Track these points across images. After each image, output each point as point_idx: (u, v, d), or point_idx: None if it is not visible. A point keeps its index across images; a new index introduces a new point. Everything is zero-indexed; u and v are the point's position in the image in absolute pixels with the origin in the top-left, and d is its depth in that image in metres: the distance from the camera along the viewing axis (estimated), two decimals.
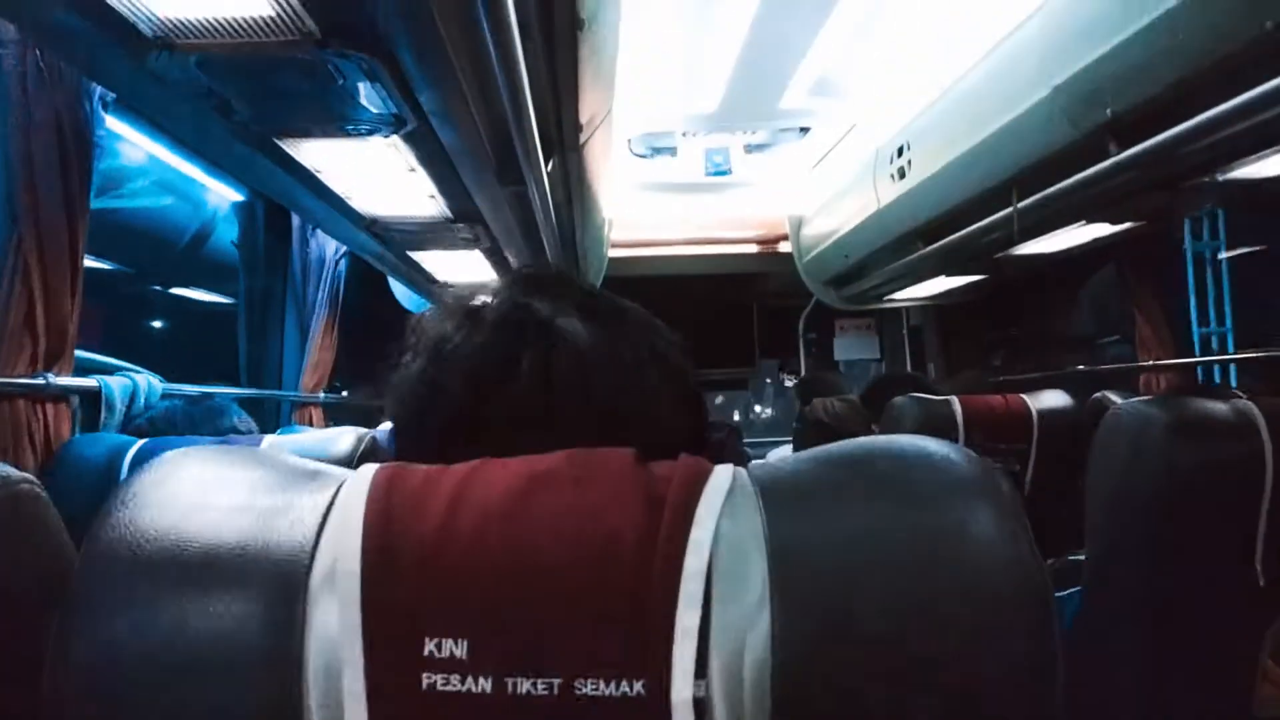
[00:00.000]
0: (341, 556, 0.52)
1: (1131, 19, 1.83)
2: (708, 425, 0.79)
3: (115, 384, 2.05)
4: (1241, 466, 1.50)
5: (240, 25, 1.26)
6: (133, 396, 2.09)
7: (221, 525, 0.54)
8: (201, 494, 0.56)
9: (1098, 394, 2.91)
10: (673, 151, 3.84)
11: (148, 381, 2.16)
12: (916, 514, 0.54)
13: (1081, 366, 4.15)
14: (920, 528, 0.54)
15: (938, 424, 2.53)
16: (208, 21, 1.26)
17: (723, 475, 0.56)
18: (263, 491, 0.57)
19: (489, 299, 0.74)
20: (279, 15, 1.24)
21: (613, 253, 4.62)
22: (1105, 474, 1.65)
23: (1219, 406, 1.57)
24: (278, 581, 0.52)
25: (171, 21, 1.26)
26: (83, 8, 1.22)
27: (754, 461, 0.60)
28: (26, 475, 0.75)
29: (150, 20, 1.25)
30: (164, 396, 2.21)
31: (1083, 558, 1.81)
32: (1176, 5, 1.71)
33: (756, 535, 0.53)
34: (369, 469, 0.57)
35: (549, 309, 0.72)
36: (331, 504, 0.55)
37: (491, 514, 0.53)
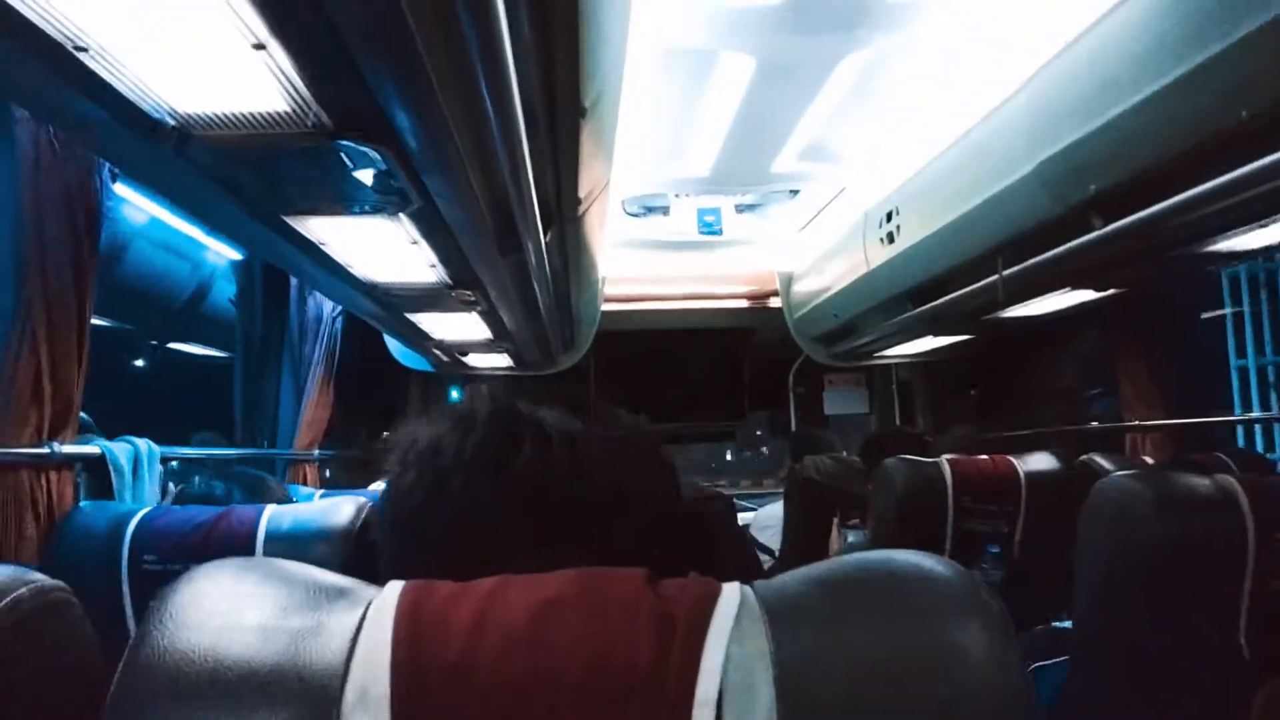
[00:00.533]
0: (372, 680, 0.55)
1: (1112, 103, 1.89)
2: (680, 497, 0.81)
3: (120, 450, 2.07)
4: (1225, 543, 1.53)
5: (256, 119, 1.31)
6: (136, 462, 2.11)
7: (256, 646, 0.57)
8: (235, 613, 0.59)
9: (1085, 456, 2.94)
10: (665, 211, 3.89)
11: (148, 446, 2.17)
12: (913, 633, 0.58)
13: (1096, 424, 4.18)
14: (917, 646, 0.57)
15: (927, 486, 2.56)
16: (225, 116, 1.30)
17: (730, 597, 0.59)
18: (293, 611, 0.59)
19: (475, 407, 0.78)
20: (294, 110, 1.28)
21: (606, 307, 4.67)
22: (1093, 546, 1.69)
23: (1203, 483, 1.60)
24: (312, 703, 0.55)
25: (190, 115, 1.30)
26: (102, 99, 1.26)
27: (758, 582, 0.63)
28: (58, 583, 0.77)
29: (170, 113, 1.29)
30: (163, 460, 2.23)
31: (1069, 624, 1.83)
32: (1155, 92, 1.77)
33: (764, 659, 0.56)
34: (394, 589, 0.60)
35: (531, 406, 0.76)
36: (360, 625, 0.58)
37: (513, 640, 0.56)
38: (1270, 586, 1.50)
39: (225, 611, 0.59)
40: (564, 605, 0.58)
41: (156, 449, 2.21)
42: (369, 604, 0.60)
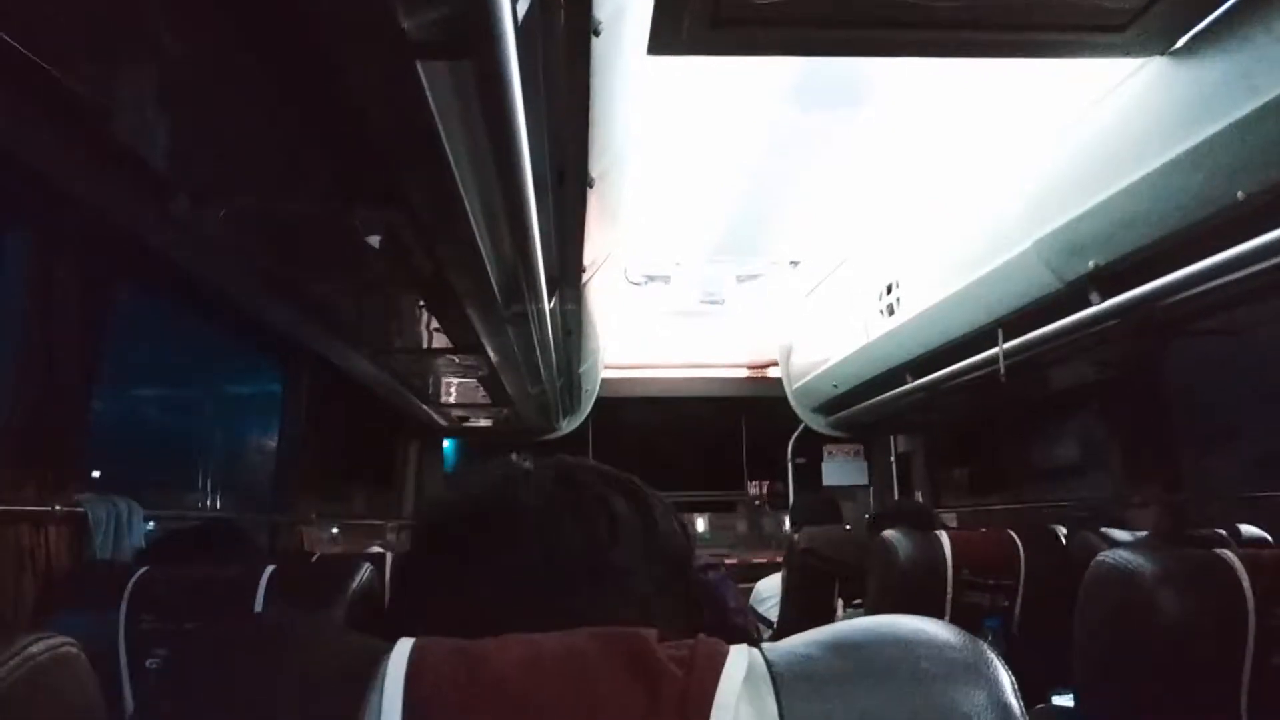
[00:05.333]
0: None
1: (1109, 182, 1.93)
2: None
3: (100, 507, 2.03)
4: (1225, 619, 1.53)
5: (269, 186, 1.33)
6: (118, 521, 2.08)
7: (267, 711, 0.56)
8: (246, 677, 0.58)
9: (1082, 532, 2.93)
10: (666, 280, 3.93)
11: (128, 504, 2.12)
12: (922, 698, 0.58)
13: (1091, 498, 4.17)
14: (926, 711, 0.58)
15: (926, 558, 2.56)
16: (237, 181, 1.33)
17: (738, 660, 0.60)
18: (303, 676, 0.59)
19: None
20: (306, 177, 1.31)
21: (606, 374, 4.69)
22: (1092, 621, 1.68)
23: (1202, 557, 1.60)
24: None
25: (203, 182, 1.33)
26: (117, 164, 1.28)
27: (765, 644, 0.63)
28: (67, 639, 0.78)
29: (183, 180, 1.32)
30: (148, 518, 2.19)
31: (1069, 700, 1.82)
32: (1151, 172, 1.81)
33: None
34: (403, 649, 0.60)
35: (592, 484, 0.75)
36: (373, 684, 0.58)
37: (518, 700, 0.56)
38: (1271, 662, 1.50)
39: (235, 676, 0.58)
40: (575, 662, 0.58)
41: (139, 508, 2.17)
42: (381, 664, 0.59)
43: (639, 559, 0.73)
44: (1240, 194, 1.69)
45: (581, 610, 0.66)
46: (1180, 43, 1.71)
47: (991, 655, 0.62)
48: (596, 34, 1.16)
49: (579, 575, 0.70)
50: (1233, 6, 1.60)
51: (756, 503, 5.94)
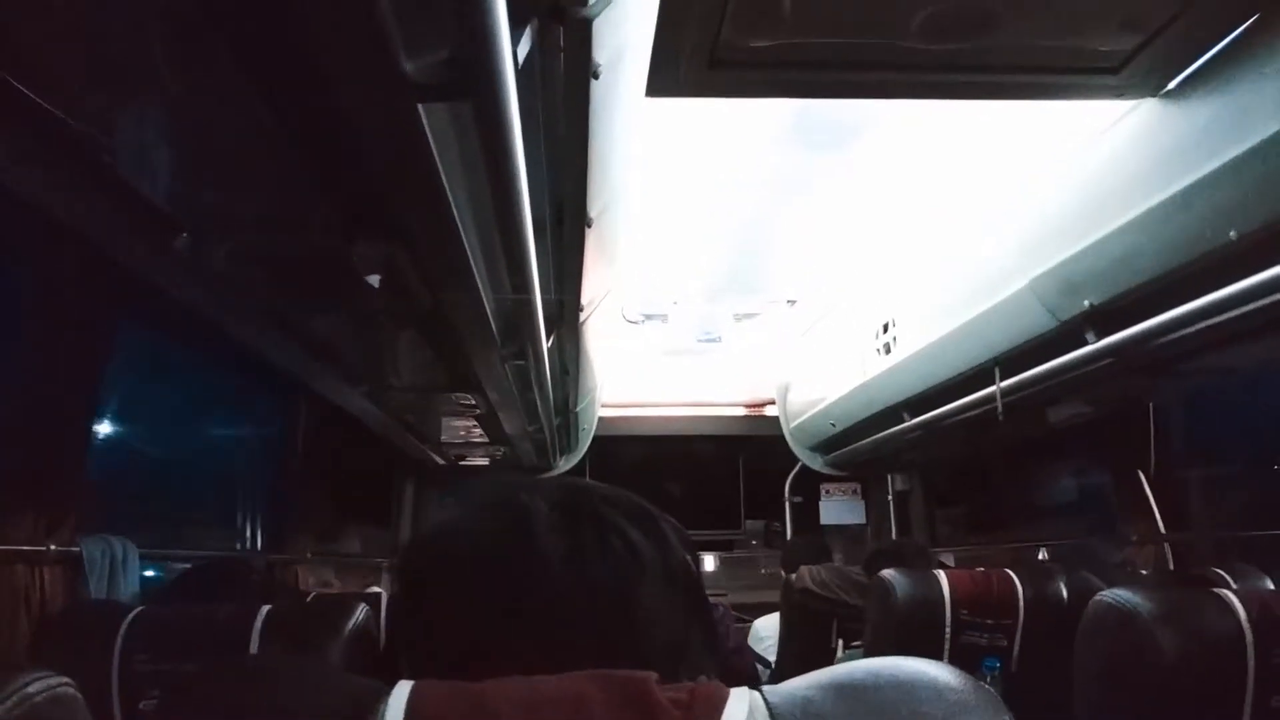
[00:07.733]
0: None
1: (1103, 222, 1.95)
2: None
3: (95, 548, 2.03)
4: (1224, 657, 1.53)
5: (269, 220, 1.34)
6: (113, 561, 2.07)
7: None
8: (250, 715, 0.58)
9: (1080, 574, 2.92)
10: (664, 318, 3.93)
11: (123, 544, 2.12)
12: None
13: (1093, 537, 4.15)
14: None
15: (924, 597, 2.54)
16: (238, 216, 1.34)
17: (738, 703, 0.59)
18: (303, 713, 0.59)
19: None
20: (307, 214, 1.32)
21: (603, 412, 4.68)
22: (1091, 661, 1.68)
23: (1202, 596, 1.60)
24: None
25: (203, 216, 1.34)
26: (117, 198, 1.29)
27: (766, 686, 0.63)
28: (64, 678, 0.77)
29: (183, 214, 1.33)
30: (143, 558, 2.19)
31: None
32: (1145, 212, 1.83)
33: None
34: (402, 691, 0.59)
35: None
36: None
37: None
38: (1271, 702, 1.49)
39: (238, 714, 0.59)
40: (576, 706, 0.58)
41: (134, 547, 2.16)
42: (380, 706, 0.59)
43: (662, 594, 0.70)
44: (1234, 233, 1.71)
45: (612, 653, 0.64)
46: (1172, 84, 1.74)
47: (992, 697, 0.62)
48: (596, 76, 1.17)
49: (612, 616, 0.68)
50: (1223, 50, 1.62)
51: (754, 542, 5.91)
